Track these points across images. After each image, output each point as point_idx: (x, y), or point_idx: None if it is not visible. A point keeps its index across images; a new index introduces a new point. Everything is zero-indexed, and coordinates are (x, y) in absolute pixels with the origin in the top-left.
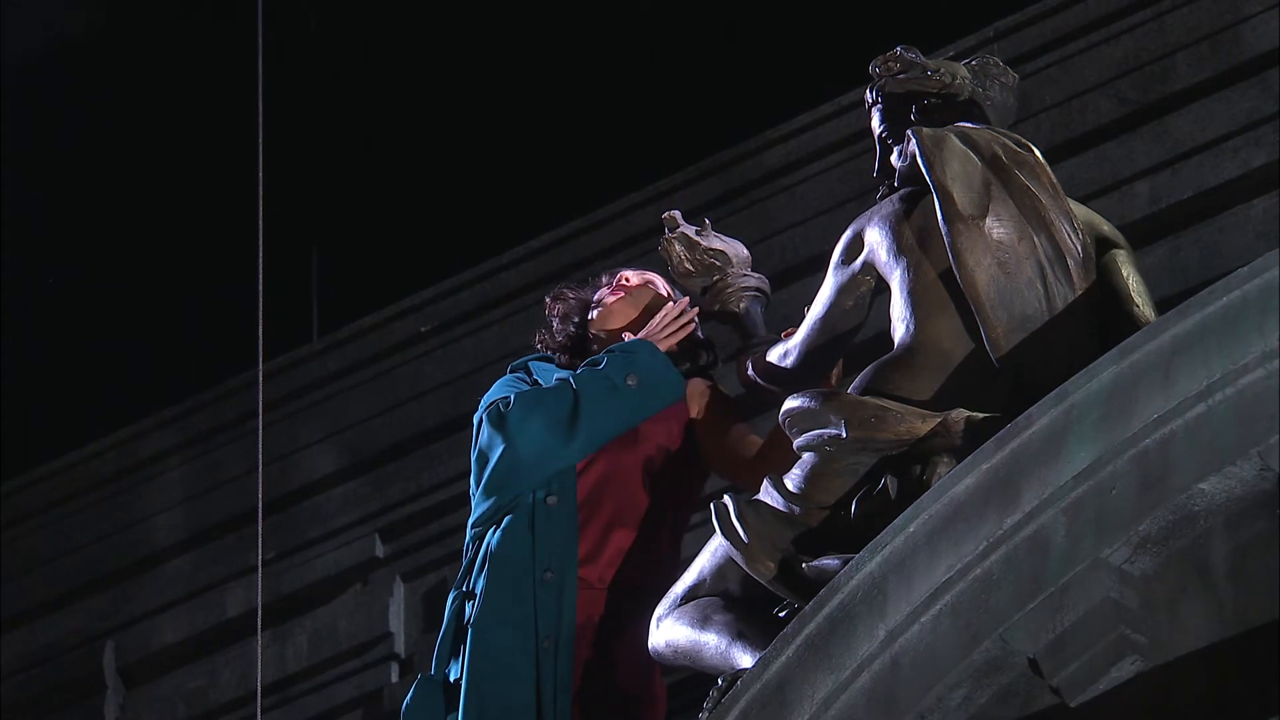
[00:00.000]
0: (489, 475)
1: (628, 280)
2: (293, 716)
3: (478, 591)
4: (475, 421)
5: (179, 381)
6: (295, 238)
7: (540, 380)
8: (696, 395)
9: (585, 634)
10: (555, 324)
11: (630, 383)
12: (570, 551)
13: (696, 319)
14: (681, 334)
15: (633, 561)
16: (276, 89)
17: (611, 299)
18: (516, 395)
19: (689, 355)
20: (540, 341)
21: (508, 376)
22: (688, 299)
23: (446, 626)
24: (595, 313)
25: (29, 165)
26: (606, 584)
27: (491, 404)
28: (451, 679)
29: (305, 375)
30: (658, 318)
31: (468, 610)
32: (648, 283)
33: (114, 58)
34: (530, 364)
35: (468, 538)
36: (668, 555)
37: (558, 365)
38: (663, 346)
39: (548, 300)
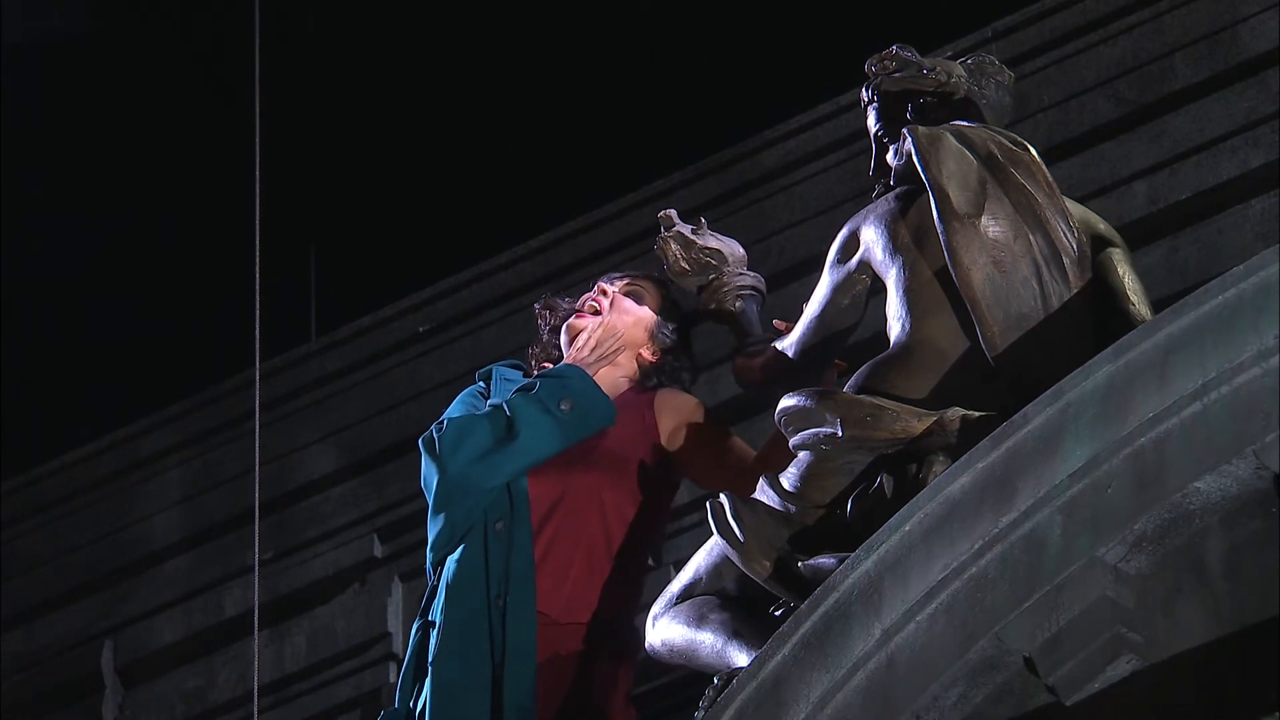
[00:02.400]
0: (432, 502)
1: (602, 295)
2: (291, 716)
3: (436, 623)
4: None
5: (177, 381)
6: (293, 237)
7: (495, 391)
8: (668, 408)
9: (548, 670)
10: (545, 336)
11: (564, 407)
12: (524, 575)
13: (622, 345)
14: (612, 358)
15: (597, 592)
16: (275, 88)
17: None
18: (449, 421)
19: (660, 370)
20: (532, 355)
21: (469, 389)
22: (612, 322)
23: (409, 659)
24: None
25: (28, 164)
26: (570, 619)
27: (427, 431)
28: (415, 715)
29: (303, 375)
30: (581, 340)
31: (430, 641)
32: (629, 293)
33: (112, 56)
34: (495, 370)
35: (428, 566)
36: (634, 582)
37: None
38: (591, 371)
39: (538, 308)
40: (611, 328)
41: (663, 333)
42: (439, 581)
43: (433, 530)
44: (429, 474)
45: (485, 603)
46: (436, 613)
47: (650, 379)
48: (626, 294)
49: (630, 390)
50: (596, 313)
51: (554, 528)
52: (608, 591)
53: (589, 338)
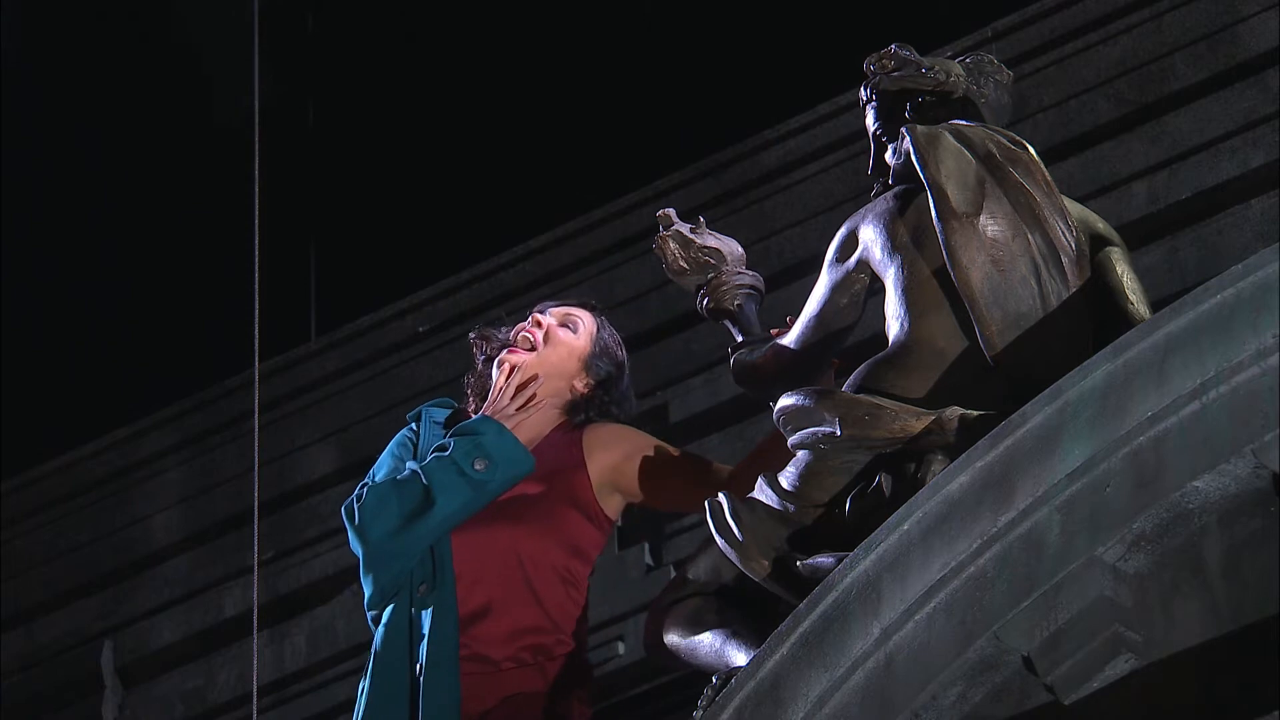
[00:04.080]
0: (361, 568)
1: (536, 326)
2: (290, 716)
3: (363, 691)
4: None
5: (176, 381)
6: (293, 237)
7: (423, 436)
8: (599, 444)
9: (498, 717)
10: (480, 367)
11: (478, 467)
12: (447, 639)
13: (539, 390)
14: (531, 408)
15: (536, 633)
16: (274, 88)
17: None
18: (369, 490)
19: (590, 403)
20: (468, 385)
21: (401, 432)
22: (533, 369)
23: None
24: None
25: (27, 164)
26: (513, 664)
27: (348, 500)
28: None
29: (303, 375)
30: (497, 388)
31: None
32: (564, 324)
33: (111, 55)
34: (424, 411)
35: (369, 619)
36: (573, 614)
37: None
38: (511, 424)
39: (472, 338)
40: (532, 376)
41: (597, 364)
42: (373, 642)
43: (365, 590)
44: (353, 543)
45: (407, 666)
46: (365, 676)
47: (579, 414)
48: (561, 324)
49: (559, 428)
50: (531, 347)
51: (480, 580)
52: (547, 631)
53: (508, 387)
